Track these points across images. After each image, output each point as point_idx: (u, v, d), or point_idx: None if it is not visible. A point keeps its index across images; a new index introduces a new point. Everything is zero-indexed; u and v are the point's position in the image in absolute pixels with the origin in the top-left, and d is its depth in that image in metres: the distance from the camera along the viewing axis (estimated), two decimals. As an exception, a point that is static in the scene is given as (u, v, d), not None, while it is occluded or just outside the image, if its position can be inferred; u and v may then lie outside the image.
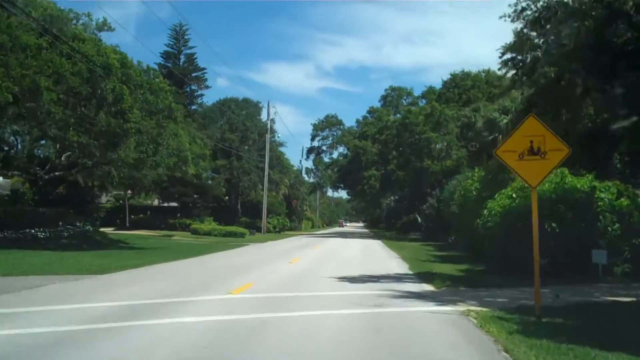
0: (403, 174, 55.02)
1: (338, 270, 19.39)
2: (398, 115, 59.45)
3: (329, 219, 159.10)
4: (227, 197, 76.15)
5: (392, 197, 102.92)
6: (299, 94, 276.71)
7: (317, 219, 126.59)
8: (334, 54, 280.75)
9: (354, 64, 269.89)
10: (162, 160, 26.65)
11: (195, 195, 58.81)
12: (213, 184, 61.58)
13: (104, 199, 72.32)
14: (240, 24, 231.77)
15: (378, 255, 30.04)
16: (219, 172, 68.71)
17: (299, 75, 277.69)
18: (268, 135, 61.39)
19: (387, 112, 59.63)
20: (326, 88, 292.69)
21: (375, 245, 42.20)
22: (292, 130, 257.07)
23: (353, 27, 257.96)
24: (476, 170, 30.54)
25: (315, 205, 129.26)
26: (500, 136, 36.69)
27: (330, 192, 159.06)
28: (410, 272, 19.85)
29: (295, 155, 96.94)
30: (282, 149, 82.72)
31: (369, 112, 64.65)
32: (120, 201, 68.49)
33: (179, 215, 58.71)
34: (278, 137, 74.02)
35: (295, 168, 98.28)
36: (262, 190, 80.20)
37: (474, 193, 27.39)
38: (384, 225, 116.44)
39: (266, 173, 60.94)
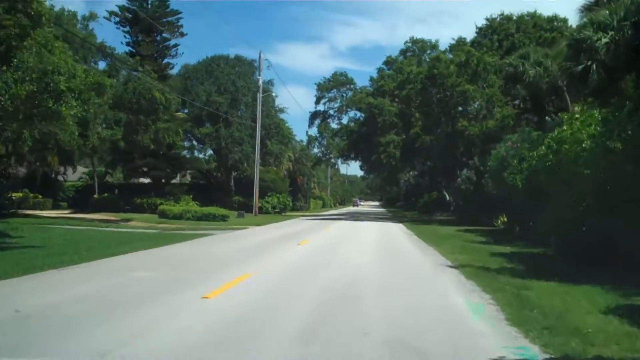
0: (430, 138, 42.15)
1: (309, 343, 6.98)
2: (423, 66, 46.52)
3: (342, 197, 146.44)
4: (218, 173, 64.04)
5: (411, 173, 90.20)
6: (313, 74, 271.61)
7: (328, 197, 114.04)
8: (349, 35, 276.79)
9: (369, 43, 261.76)
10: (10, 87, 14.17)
11: (168, 170, 46.46)
12: (191, 155, 49.47)
13: (75, 176, 60.72)
14: (255, 4, 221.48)
15: (412, 265, 15.46)
16: (204, 142, 56.40)
17: (314, 56, 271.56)
18: (259, 94, 48.69)
19: (409, 62, 46.63)
20: (341, 68, 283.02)
21: (399, 235, 29.54)
22: (306, 111, 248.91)
23: (368, 7, 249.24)
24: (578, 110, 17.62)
25: (326, 183, 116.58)
26: (594, 65, 23.79)
27: (342, 169, 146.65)
28: None
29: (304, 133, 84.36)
30: (288, 121, 70.23)
31: (385, 63, 51.25)
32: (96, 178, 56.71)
33: (152, 194, 46.36)
34: (274, 96, 61.19)
35: (301, 142, 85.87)
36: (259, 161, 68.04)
37: (586, 144, 14.71)
38: (402, 204, 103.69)
39: (258, 139, 48.55)
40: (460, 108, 41.19)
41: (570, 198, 15.97)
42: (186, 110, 57.43)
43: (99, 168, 56.95)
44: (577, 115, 17.00)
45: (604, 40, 21.56)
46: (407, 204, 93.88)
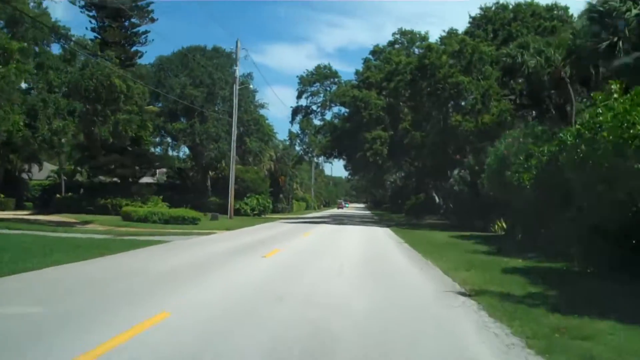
0: (420, 134, 38.34)
1: None
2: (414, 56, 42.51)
3: (327, 199, 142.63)
4: (193, 173, 60.03)
5: (397, 174, 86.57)
6: (300, 75, 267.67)
7: (312, 199, 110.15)
8: (335, 36, 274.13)
9: (355, 45, 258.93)
10: None
11: (136, 168, 42.37)
12: (163, 153, 45.48)
13: (43, 174, 56.46)
14: (241, 5, 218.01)
15: (409, 292, 11.01)
16: (178, 139, 52.38)
17: (300, 56, 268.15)
18: (236, 85, 44.74)
19: (398, 53, 42.63)
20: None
21: (387, 243, 25.39)
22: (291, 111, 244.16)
23: (355, 8, 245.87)
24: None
25: (310, 184, 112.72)
26: (620, 41, 20.49)
27: (327, 169, 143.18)
28: None
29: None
30: (272, 122, 66.24)
31: (373, 52, 46.93)
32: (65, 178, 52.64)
33: (118, 194, 42.14)
34: (252, 88, 57.15)
35: (285, 141, 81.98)
36: (238, 160, 64.10)
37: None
38: (388, 207, 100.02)
39: (234, 135, 44.58)
40: (453, 102, 37.51)
41: (608, 200, 12.33)
42: (160, 104, 53.44)
43: (68, 166, 52.81)
44: (615, 95, 13.23)
45: (635, 11, 17.94)
46: (393, 207, 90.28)
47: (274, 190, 72.45)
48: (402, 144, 38.94)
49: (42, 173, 55.27)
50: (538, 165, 20.85)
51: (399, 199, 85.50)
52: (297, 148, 55.71)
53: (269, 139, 58.94)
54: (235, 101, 44.58)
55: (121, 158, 41.26)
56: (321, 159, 55.19)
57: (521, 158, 23.10)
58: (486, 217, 34.77)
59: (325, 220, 49.85)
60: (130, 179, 42.81)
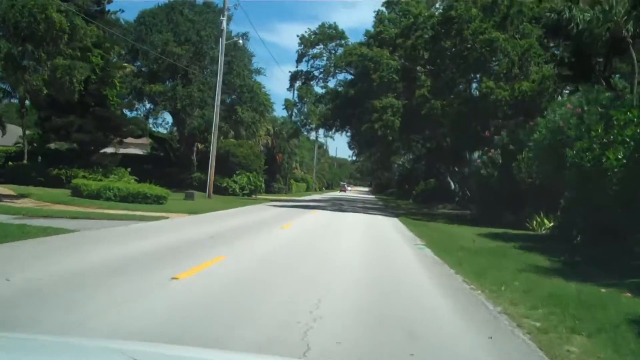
0: (441, 104, 30.74)
1: None
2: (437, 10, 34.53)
3: (329, 181, 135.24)
4: (178, 144, 52.82)
5: (405, 157, 79.04)
6: (300, 35, 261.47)
7: (314, 180, 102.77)
8: (349, 15, 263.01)
9: (368, 25, 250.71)
10: None
11: (99, 133, 35.02)
12: (129, 115, 38.16)
13: (10, 139, 49.28)
14: None
15: None
16: (157, 104, 45.09)
17: None
18: (222, 39, 37.23)
19: (418, 4, 34.43)
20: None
21: (400, 244, 16.97)
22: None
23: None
24: None
25: (312, 164, 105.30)
26: None
27: (332, 150, 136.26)
28: None
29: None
30: (275, 101, 58.74)
31: (386, 3, 38.87)
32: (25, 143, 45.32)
33: (77, 165, 34.70)
34: (250, 53, 49.85)
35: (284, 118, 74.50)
36: (231, 133, 56.89)
37: None
38: (394, 192, 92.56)
39: (217, 98, 37.15)
40: (483, 64, 29.90)
41: None
42: (139, 64, 46.12)
43: (34, 130, 45.64)
44: None
45: None
46: (399, 192, 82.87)
47: (270, 168, 65.23)
48: (417, 116, 31.42)
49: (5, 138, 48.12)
50: (637, 137, 13.65)
51: (406, 184, 78.08)
52: (295, 119, 47.98)
53: (265, 110, 51.41)
54: (221, 58, 37.07)
55: (80, 120, 33.93)
56: (321, 132, 47.44)
57: (599, 130, 15.91)
58: (519, 209, 27.56)
59: (322, 204, 42.57)
60: (92, 147, 35.42)
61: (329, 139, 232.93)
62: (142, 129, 40.95)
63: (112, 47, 35.01)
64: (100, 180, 32.36)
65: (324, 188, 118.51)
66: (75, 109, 34.42)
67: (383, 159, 73.90)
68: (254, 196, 51.79)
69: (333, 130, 43.55)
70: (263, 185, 53.50)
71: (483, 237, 21.36)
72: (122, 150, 69.61)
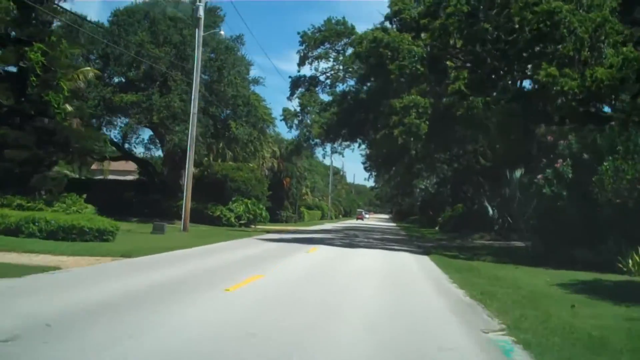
0: (482, 101, 22.34)
1: None
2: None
3: (347, 208, 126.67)
4: (163, 167, 45.26)
5: (428, 181, 70.64)
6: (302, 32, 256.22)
7: (329, 208, 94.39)
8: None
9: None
10: None
11: (40, 150, 27.10)
12: (83, 127, 30.11)
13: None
14: (272, 14, 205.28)
15: None
16: (129, 115, 37.48)
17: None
18: (200, 30, 29.51)
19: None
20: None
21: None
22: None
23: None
24: None
25: (327, 191, 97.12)
26: None
27: (349, 177, 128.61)
28: None
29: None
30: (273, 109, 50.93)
31: None
32: None
33: (12, 191, 26.77)
34: (248, 61, 42.23)
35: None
36: (229, 155, 49.32)
37: None
38: (416, 219, 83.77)
39: (193, 103, 29.33)
40: (539, 46, 21.69)
41: None
42: (110, 70, 38.58)
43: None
44: None
45: None
46: (423, 219, 74.14)
47: (277, 194, 57.32)
48: (449, 119, 23.21)
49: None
50: None
51: (430, 210, 69.43)
52: (294, 132, 39.88)
53: (264, 125, 43.54)
54: (198, 53, 29.27)
55: (15, 133, 26.17)
56: (328, 148, 39.09)
57: None
58: (600, 242, 19.30)
59: (331, 236, 34.23)
60: (31, 167, 27.48)
61: (344, 163, 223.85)
62: (99, 147, 32.80)
63: (60, 41, 27.36)
64: (41, 209, 24.58)
65: (340, 216, 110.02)
66: (12, 118, 27.05)
67: (403, 183, 65.81)
68: (252, 226, 43.87)
69: (340, 141, 35.21)
70: (264, 214, 45.41)
71: (568, 290, 13.36)
72: (110, 176, 62.48)
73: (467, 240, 35.01)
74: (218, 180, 46.23)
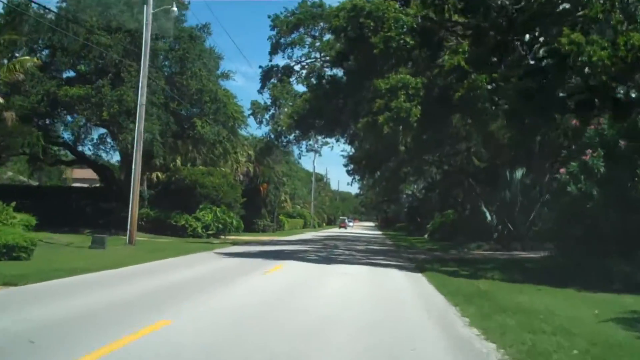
0: (485, 79, 17.69)
1: None
2: None
3: (332, 216, 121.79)
4: (121, 174, 40.47)
5: (416, 185, 66.11)
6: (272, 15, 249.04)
7: (312, 216, 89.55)
8: None
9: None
10: None
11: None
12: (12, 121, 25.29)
13: None
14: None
15: None
16: (75, 112, 32.77)
17: None
18: (148, 8, 24.83)
19: None
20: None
21: None
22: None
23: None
24: None
25: (309, 198, 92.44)
26: None
27: (334, 184, 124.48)
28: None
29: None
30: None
31: None
32: None
33: None
34: (217, 54, 37.60)
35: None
36: (200, 159, 44.74)
37: None
38: (404, 226, 79.16)
39: (140, 94, 24.63)
40: (564, 4, 17.18)
41: None
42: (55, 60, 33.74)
43: None
44: None
45: None
46: (410, 226, 69.54)
47: (253, 202, 52.64)
48: (445, 102, 18.59)
49: None
50: None
51: (418, 217, 64.83)
52: (265, 129, 35.16)
53: (235, 124, 38.76)
54: (147, 35, 24.71)
55: None
56: (303, 147, 34.27)
57: None
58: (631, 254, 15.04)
59: (307, 248, 29.48)
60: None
61: (327, 169, 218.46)
62: (34, 143, 27.85)
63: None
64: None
65: (324, 224, 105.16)
66: None
67: (389, 188, 61.13)
68: (222, 237, 39.15)
69: (313, 136, 30.44)
70: (235, 222, 40.62)
71: (637, 330, 8.90)
72: (77, 184, 57.46)
73: (463, 250, 30.44)
74: (186, 187, 41.58)
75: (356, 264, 20.46)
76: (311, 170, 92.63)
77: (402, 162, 46.17)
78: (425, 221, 59.57)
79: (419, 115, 17.69)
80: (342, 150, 32.72)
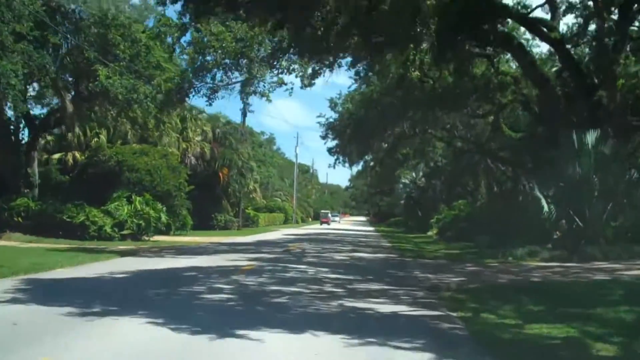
0: None
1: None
2: None
3: (319, 210, 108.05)
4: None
5: (414, 173, 53.60)
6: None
7: (294, 210, 76.80)
8: None
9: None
10: None
11: None
12: None
13: None
14: None
15: None
16: None
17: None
18: None
19: None
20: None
21: None
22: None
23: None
24: None
25: (288, 188, 79.77)
26: None
27: (322, 176, 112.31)
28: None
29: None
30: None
31: None
32: None
33: None
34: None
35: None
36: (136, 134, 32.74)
37: None
38: (400, 221, 66.34)
39: None
40: None
41: None
42: None
43: None
44: None
45: None
46: (409, 221, 56.75)
47: (210, 191, 40.34)
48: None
49: None
50: None
51: (419, 209, 52.10)
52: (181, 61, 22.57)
53: (162, 72, 26.23)
54: None
55: None
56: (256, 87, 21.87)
57: None
58: None
59: (233, 264, 16.63)
60: None
61: (313, 159, 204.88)
62: None
63: None
64: None
65: (310, 219, 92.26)
66: None
67: (384, 175, 48.75)
68: (145, 237, 26.78)
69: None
70: (164, 218, 28.05)
71: None
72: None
73: (507, 259, 17.99)
74: (111, 171, 29.27)
75: (299, 332, 7.64)
76: (293, 159, 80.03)
77: (399, 138, 34.47)
78: (427, 215, 47.24)
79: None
80: (319, 115, 21.17)
